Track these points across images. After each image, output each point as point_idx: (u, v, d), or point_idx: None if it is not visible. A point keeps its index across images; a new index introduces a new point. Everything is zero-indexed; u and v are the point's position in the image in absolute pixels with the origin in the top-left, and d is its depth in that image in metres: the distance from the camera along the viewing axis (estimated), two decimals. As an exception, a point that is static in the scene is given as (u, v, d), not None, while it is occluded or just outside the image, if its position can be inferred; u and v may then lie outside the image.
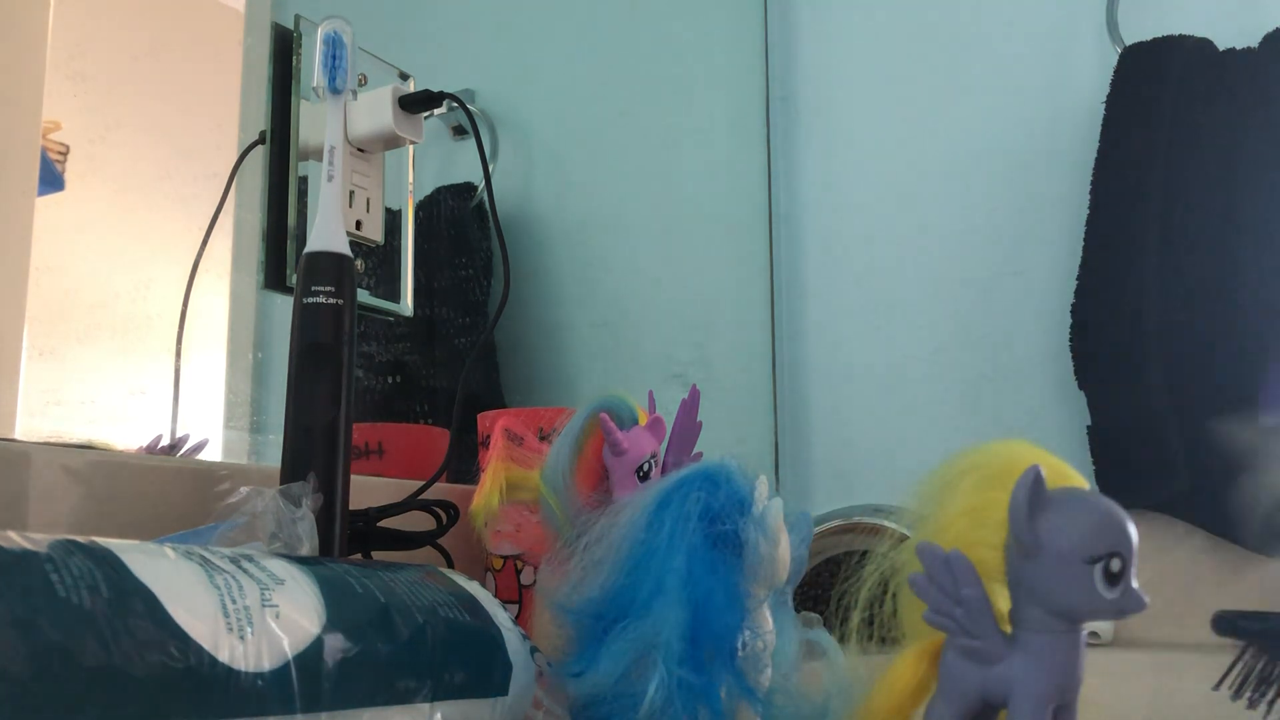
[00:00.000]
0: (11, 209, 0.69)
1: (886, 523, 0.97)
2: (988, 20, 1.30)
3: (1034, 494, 0.39)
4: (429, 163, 1.12)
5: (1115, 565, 0.38)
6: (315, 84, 0.64)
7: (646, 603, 0.44)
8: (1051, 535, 0.39)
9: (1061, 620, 0.39)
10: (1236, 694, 0.61)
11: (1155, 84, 1.11)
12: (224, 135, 0.82)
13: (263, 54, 0.80)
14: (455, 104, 0.74)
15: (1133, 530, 0.39)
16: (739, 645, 0.45)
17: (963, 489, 0.43)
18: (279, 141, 0.79)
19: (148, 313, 0.78)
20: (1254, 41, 1.11)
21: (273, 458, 0.67)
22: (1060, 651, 0.39)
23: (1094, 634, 1.01)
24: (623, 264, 1.31)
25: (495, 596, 0.49)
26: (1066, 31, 1.25)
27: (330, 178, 0.63)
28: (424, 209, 1.09)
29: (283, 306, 0.73)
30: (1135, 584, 0.39)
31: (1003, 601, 0.41)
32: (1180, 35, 1.12)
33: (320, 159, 0.65)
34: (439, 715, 0.41)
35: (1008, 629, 0.41)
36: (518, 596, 0.73)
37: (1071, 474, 0.42)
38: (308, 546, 0.49)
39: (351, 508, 0.59)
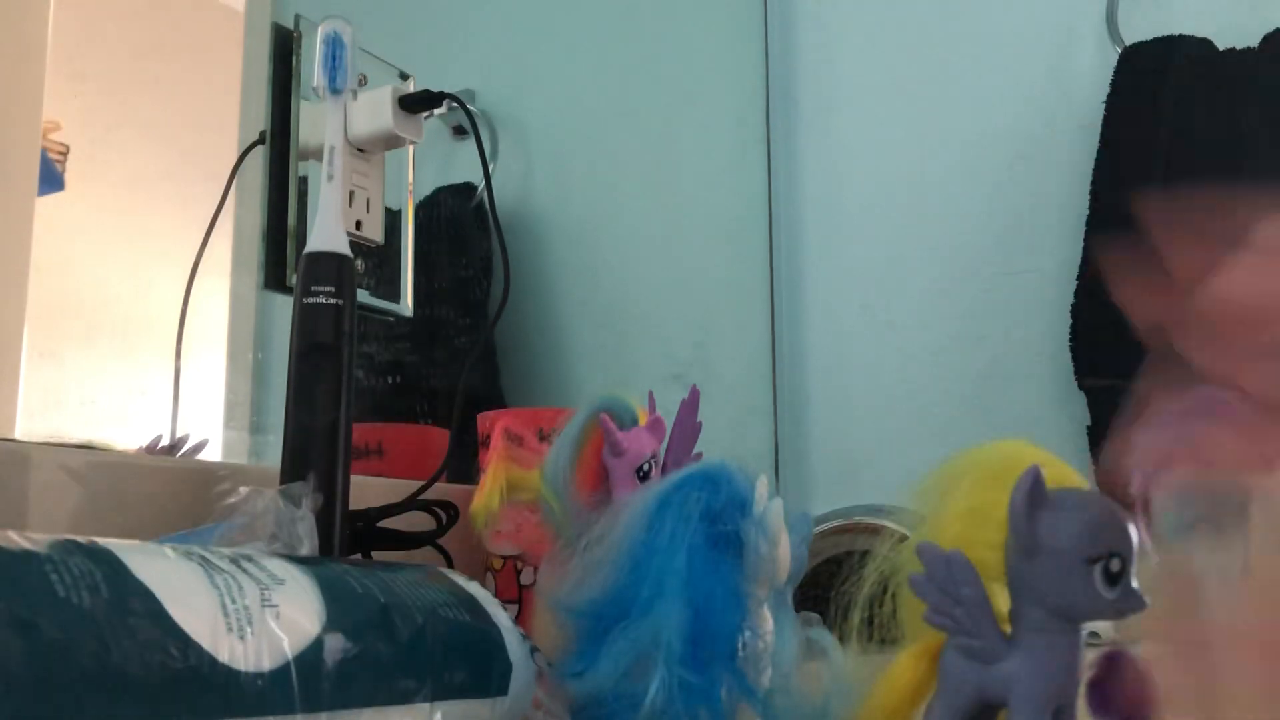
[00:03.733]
0: (11, 209, 0.69)
1: (886, 523, 0.97)
2: (988, 20, 1.30)
3: (1033, 494, 0.39)
4: (429, 163, 1.12)
5: (1115, 565, 0.38)
6: (315, 84, 0.64)
7: (647, 603, 0.44)
8: (1050, 535, 0.38)
9: (1061, 620, 0.39)
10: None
11: (1155, 84, 1.11)
12: (224, 135, 0.82)
13: (263, 54, 0.80)
14: (455, 104, 0.74)
15: (1133, 530, 0.39)
16: (739, 645, 0.45)
17: (962, 489, 0.43)
18: (279, 141, 0.79)
19: (148, 313, 0.78)
20: (1254, 41, 1.11)
21: (273, 458, 0.67)
22: (1060, 652, 0.39)
23: (1094, 634, 1.01)
24: (623, 264, 1.31)
25: (495, 596, 0.49)
26: (1066, 31, 1.25)
27: (330, 178, 0.63)
28: (424, 209, 1.09)
29: (283, 306, 0.73)
30: (1135, 584, 0.39)
31: (1003, 601, 0.41)
32: (1180, 35, 1.12)
33: (320, 159, 0.65)
34: (439, 715, 0.41)
35: (1009, 629, 0.41)
36: (518, 596, 0.73)
37: (1071, 474, 0.42)
38: (308, 546, 0.49)
39: (351, 508, 0.59)
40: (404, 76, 0.84)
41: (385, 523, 0.62)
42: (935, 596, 0.40)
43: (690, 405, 0.63)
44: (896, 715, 0.42)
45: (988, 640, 0.40)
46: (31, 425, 0.67)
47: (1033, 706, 0.39)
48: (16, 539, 0.32)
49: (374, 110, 0.69)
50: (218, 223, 0.80)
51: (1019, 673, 0.39)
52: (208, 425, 0.79)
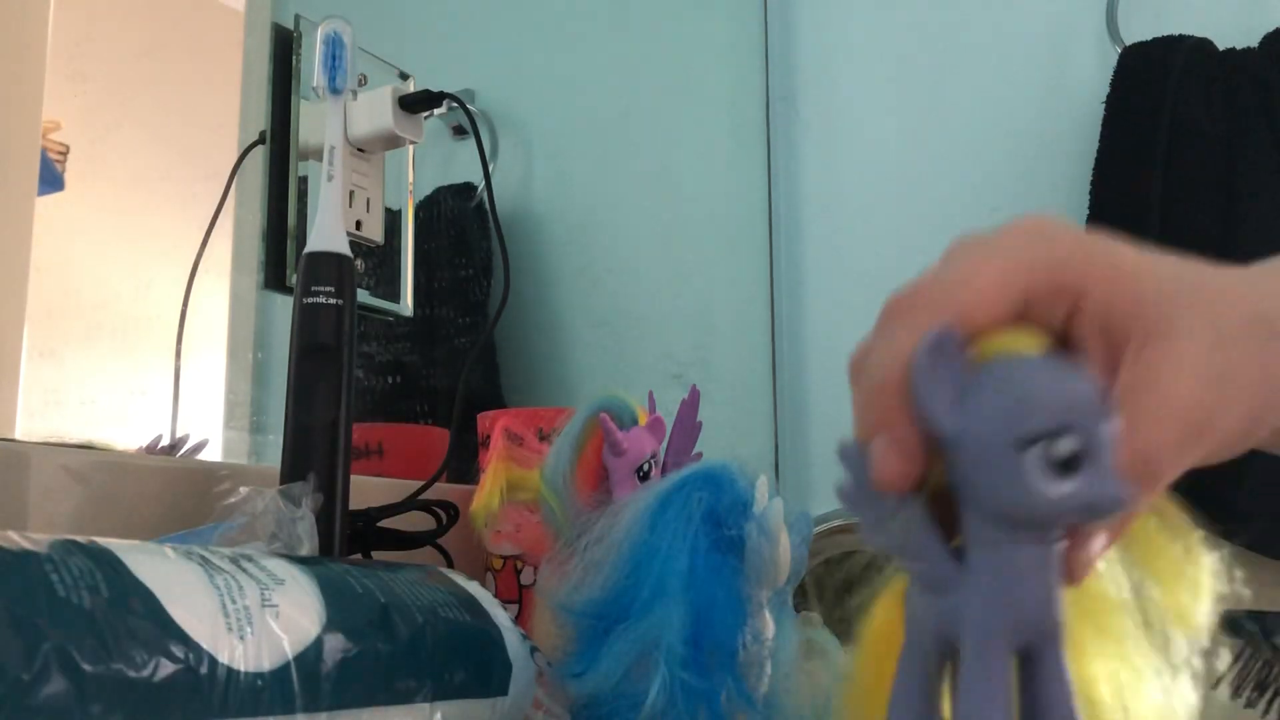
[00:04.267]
0: (11, 209, 0.69)
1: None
2: (987, 20, 1.30)
3: (939, 360, 0.29)
4: (429, 163, 1.12)
5: (1064, 446, 0.27)
6: (315, 84, 0.64)
7: (648, 604, 0.44)
8: (969, 414, 0.28)
9: (1007, 529, 0.28)
10: (1236, 693, 0.61)
11: (1155, 84, 1.11)
12: (224, 135, 0.82)
13: (263, 54, 0.80)
14: (455, 104, 0.74)
15: (1091, 394, 0.28)
16: (740, 647, 0.45)
17: None
18: (279, 141, 0.79)
19: (148, 313, 0.78)
20: (1254, 41, 1.11)
21: (273, 458, 0.67)
22: (1016, 571, 0.28)
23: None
24: (623, 264, 1.31)
25: (495, 596, 0.49)
26: (1066, 31, 1.25)
27: (330, 178, 0.63)
28: (424, 209, 1.09)
29: (283, 306, 0.73)
30: (1107, 470, 0.27)
31: None
32: (1180, 35, 1.12)
33: (320, 159, 0.65)
34: (439, 715, 0.41)
35: None
36: (518, 596, 0.73)
37: (1027, 340, 0.31)
38: (308, 546, 0.49)
39: (351, 508, 0.59)
40: (404, 76, 0.84)
41: (385, 523, 0.62)
42: (866, 510, 0.30)
43: (690, 405, 0.63)
44: (884, 666, 0.33)
45: (934, 562, 0.30)
46: (31, 425, 0.67)
47: (980, 646, 0.28)
48: (16, 539, 0.32)
49: (374, 110, 0.69)
50: (218, 223, 0.80)
51: (966, 603, 0.29)
52: (208, 425, 0.79)
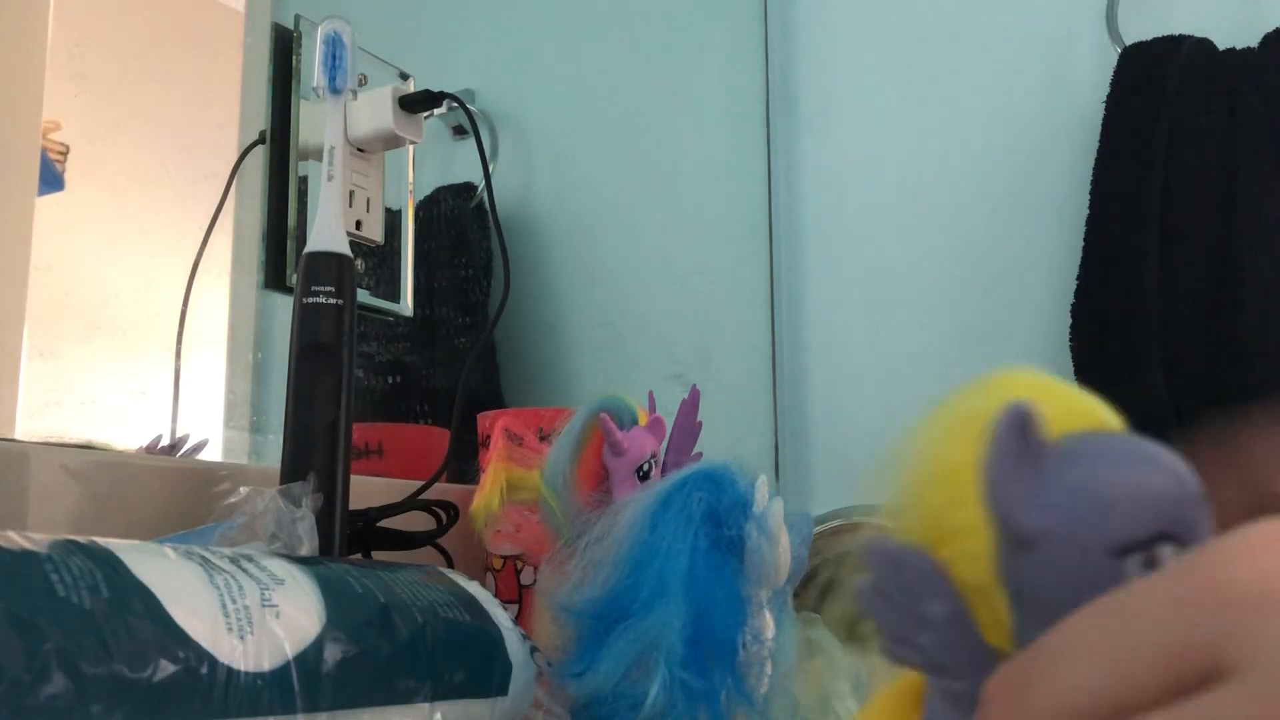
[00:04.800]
0: (11, 209, 0.69)
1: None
2: (988, 20, 1.30)
3: (1020, 445, 0.24)
4: (429, 163, 1.12)
5: (1165, 556, 0.23)
6: (315, 84, 0.64)
7: (648, 603, 0.44)
8: (1054, 512, 0.24)
9: None
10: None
11: (1155, 84, 1.11)
12: (224, 135, 0.82)
13: (263, 54, 0.80)
14: (455, 104, 0.74)
15: (1194, 492, 0.24)
16: (740, 647, 0.45)
17: (939, 442, 0.28)
18: (279, 141, 0.79)
19: (148, 313, 0.78)
20: (1254, 41, 1.11)
21: (273, 458, 0.67)
22: None
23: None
24: (623, 264, 1.31)
25: (495, 596, 0.49)
26: (1066, 31, 1.24)
27: (330, 178, 0.63)
28: (424, 209, 1.09)
29: (283, 306, 0.73)
30: None
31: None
32: (1180, 35, 1.12)
33: (320, 159, 0.65)
34: (439, 715, 0.41)
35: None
36: (518, 596, 0.73)
37: (1099, 412, 0.26)
38: (308, 546, 0.49)
39: (351, 508, 0.59)
40: (404, 76, 0.84)
41: (385, 523, 0.62)
42: (889, 616, 0.26)
43: (690, 405, 0.63)
44: None
45: (974, 680, 0.25)
46: (31, 425, 0.67)
47: None
48: (16, 539, 0.32)
49: (374, 110, 0.69)
50: (218, 223, 0.80)
51: None
52: (208, 425, 0.79)
